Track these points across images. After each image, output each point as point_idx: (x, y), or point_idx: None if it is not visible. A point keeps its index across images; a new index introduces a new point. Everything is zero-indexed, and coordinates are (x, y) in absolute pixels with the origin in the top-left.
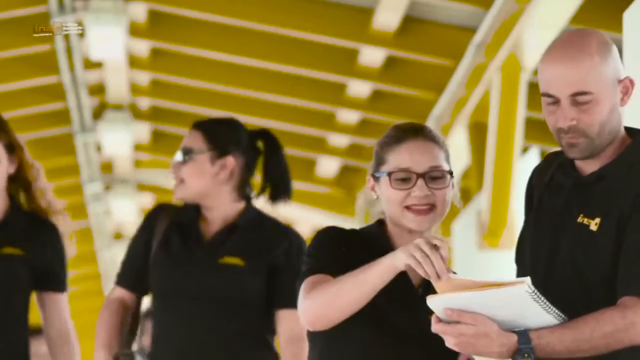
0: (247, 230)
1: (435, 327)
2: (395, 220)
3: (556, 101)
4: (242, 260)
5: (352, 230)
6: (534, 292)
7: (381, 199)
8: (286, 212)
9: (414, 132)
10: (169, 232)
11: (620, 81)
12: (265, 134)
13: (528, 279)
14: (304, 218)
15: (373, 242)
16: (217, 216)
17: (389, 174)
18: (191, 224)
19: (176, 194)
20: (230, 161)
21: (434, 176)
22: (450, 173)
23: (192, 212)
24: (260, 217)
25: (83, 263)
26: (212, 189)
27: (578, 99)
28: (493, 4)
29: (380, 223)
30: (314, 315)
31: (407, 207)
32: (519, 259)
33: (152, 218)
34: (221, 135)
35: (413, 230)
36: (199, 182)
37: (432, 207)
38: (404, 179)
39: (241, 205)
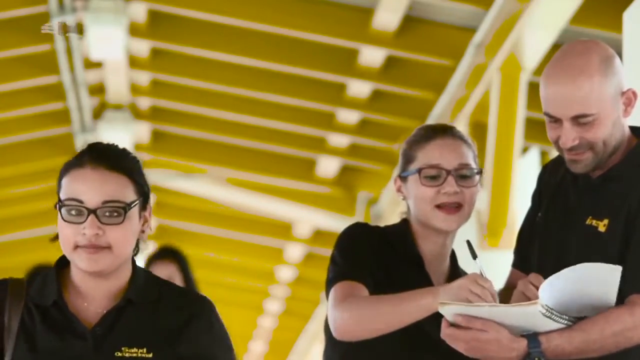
0: (143, 305)
1: (445, 332)
2: (423, 219)
3: (558, 120)
4: (147, 351)
5: (379, 229)
6: (547, 311)
7: (409, 199)
8: (286, 212)
9: (443, 130)
10: (29, 322)
11: (623, 93)
12: None
13: (541, 300)
14: (304, 218)
15: (399, 241)
16: (101, 289)
17: (419, 171)
18: (59, 306)
19: (95, 266)
20: (150, 211)
21: (463, 174)
22: (479, 172)
23: (53, 288)
24: (154, 283)
25: None
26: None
27: (580, 120)
28: (493, 4)
29: (405, 222)
30: (344, 328)
31: (438, 207)
32: (518, 250)
33: None
34: (142, 176)
35: (441, 230)
36: (130, 246)
37: (459, 207)
38: (434, 176)
39: (129, 269)
